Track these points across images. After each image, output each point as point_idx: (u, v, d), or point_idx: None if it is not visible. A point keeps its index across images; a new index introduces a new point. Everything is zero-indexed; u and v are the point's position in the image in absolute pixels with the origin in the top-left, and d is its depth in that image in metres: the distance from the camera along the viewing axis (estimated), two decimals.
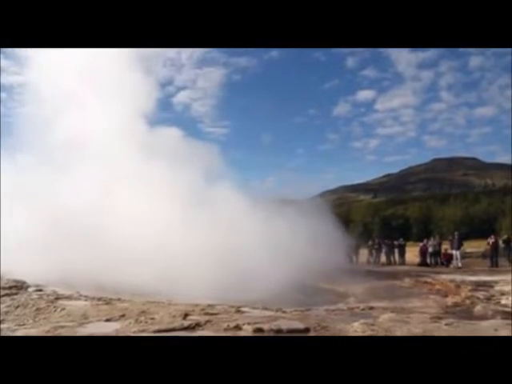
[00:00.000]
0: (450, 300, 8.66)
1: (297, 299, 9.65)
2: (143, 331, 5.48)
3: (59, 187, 14.91)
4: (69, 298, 8.33)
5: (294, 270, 12.16)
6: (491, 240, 17.54)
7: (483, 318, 6.70)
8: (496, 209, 45.54)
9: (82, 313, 6.72)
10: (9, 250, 12.68)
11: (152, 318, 6.24)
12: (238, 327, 5.71)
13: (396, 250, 20.46)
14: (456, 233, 19.21)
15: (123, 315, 6.52)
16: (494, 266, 16.50)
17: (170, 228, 12.44)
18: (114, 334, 5.31)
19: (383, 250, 20.69)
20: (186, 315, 6.47)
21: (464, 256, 18.80)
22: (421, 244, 19.88)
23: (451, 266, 17.45)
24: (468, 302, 8.27)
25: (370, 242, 22.98)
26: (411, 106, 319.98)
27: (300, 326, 5.89)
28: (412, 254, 20.50)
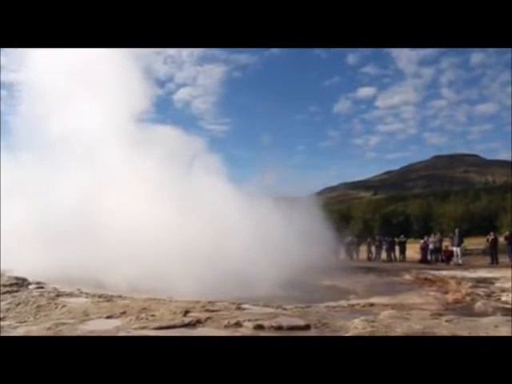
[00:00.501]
0: (450, 297, 8.67)
1: (296, 296, 9.67)
2: (144, 328, 5.49)
3: (57, 185, 14.93)
4: (69, 295, 8.35)
5: (290, 267, 12.19)
6: (490, 237, 17.56)
7: (483, 314, 6.70)
8: (497, 206, 45.50)
9: (82, 310, 6.74)
10: (9, 247, 12.71)
11: (153, 315, 6.25)
12: (238, 324, 5.73)
13: (396, 247, 20.48)
14: (456, 230, 19.22)
15: (124, 312, 6.53)
16: (495, 262, 16.52)
17: (166, 224, 12.48)
18: (114, 331, 5.32)
19: (384, 247, 20.71)
20: (186, 312, 6.48)
21: (464, 253, 18.82)
22: (421, 241, 19.90)
23: (452, 262, 17.47)
24: (468, 298, 8.27)
25: (370, 239, 23.03)
26: (412, 103, 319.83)
27: (300, 322, 5.90)
28: (412, 250, 20.53)
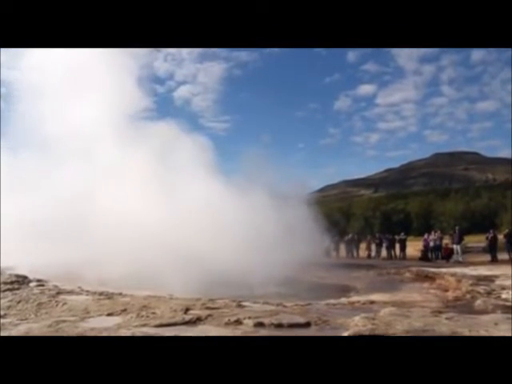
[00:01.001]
0: (450, 294, 8.67)
1: (296, 294, 9.68)
2: (144, 325, 5.50)
3: (55, 182, 14.98)
4: (70, 292, 8.36)
5: (287, 265, 12.22)
6: (490, 235, 17.56)
7: (484, 312, 6.70)
8: (497, 203, 45.47)
9: (83, 307, 6.75)
10: (9, 245, 12.74)
11: (153, 313, 6.26)
12: (238, 321, 5.73)
13: (397, 245, 20.49)
14: (457, 227, 19.20)
15: (124, 310, 6.54)
16: (494, 260, 16.52)
17: (161, 221, 12.53)
18: (115, 329, 5.33)
19: (384, 245, 20.72)
20: (187, 309, 6.49)
21: (465, 250, 18.82)
22: (424, 238, 19.88)
23: (452, 260, 17.47)
24: (468, 296, 8.27)
25: (370, 237, 23.05)
26: (412, 101, 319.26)
27: (301, 320, 5.90)
28: (413, 248, 20.52)
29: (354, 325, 5.60)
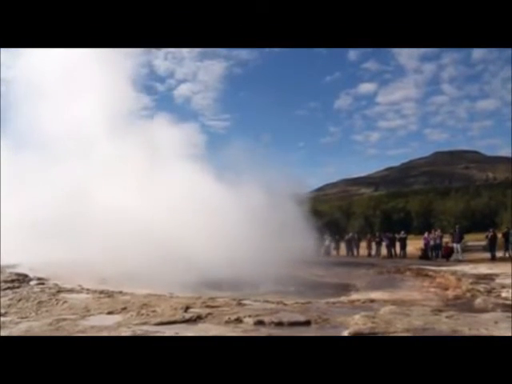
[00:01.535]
0: (450, 293, 8.68)
1: (296, 292, 9.70)
2: (145, 324, 5.51)
3: (56, 181, 15.01)
4: (71, 291, 8.37)
5: (286, 263, 12.25)
6: (490, 234, 17.57)
7: (484, 310, 6.72)
8: (497, 202, 45.49)
9: (83, 306, 6.76)
10: (9, 244, 12.76)
11: (153, 311, 6.27)
12: (239, 320, 5.74)
13: (397, 244, 20.49)
14: (457, 226, 19.18)
15: (125, 308, 6.56)
16: (494, 259, 16.52)
17: (156, 219, 12.59)
18: (115, 327, 5.34)
19: (384, 243, 20.72)
20: (187, 308, 6.50)
21: (465, 249, 18.82)
22: (424, 236, 19.88)
23: (452, 259, 17.48)
24: (469, 294, 8.28)
25: (370, 236, 23.05)
26: (413, 99, 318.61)
27: (301, 318, 5.91)
28: (413, 247, 20.52)
29: (354, 323, 5.61)
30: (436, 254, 18.71)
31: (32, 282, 9.35)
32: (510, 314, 6.12)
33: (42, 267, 11.23)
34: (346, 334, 5.11)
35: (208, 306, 6.74)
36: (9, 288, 8.35)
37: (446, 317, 6.02)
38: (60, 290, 8.30)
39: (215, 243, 11.94)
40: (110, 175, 14.58)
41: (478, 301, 7.49)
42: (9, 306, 6.73)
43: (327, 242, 22.77)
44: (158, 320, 5.70)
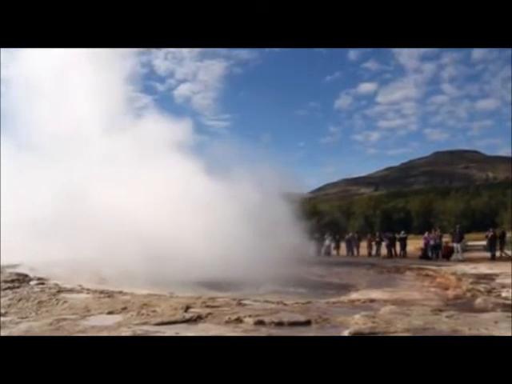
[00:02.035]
0: (450, 293, 8.68)
1: (297, 292, 9.70)
2: (145, 324, 5.51)
3: (55, 181, 15.04)
4: (71, 291, 8.37)
5: (286, 263, 12.24)
6: (490, 233, 17.57)
7: (484, 310, 6.72)
8: (497, 202, 45.50)
9: (84, 306, 6.76)
10: (10, 244, 12.77)
11: (154, 311, 6.27)
12: (239, 320, 5.74)
13: (397, 243, 20.47)
14: (457, 226, 19.17)
15: (125, 308, 6.55)
16: (494, 259, 16.52)
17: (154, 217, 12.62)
18: (115, 327, 5.34)
19: (384, 243, 20.71)
20: (187, 308, 6.50)
21: (465, 249, 18.81)
22: (424, 236, 19.87)
23: (452, 258, 17.47)
24: (469, 294, 8.29)
25: (370, 235, 23.04)
26: (413, 99, 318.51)
27: (301, 318, 5.91)
28: (413, 246, 20.52)
29: (355, 323, 5.61)
30: (436, 253, 18.71)
31: (32, 282, 9.34)
32: (510, 314, 6.12)
33: (42, 267, 11.23)
34: (346, 333, 5.11)
35: (208, 306, 6.74)
36: (9, 288, 8.35)
37: (446, 317, 6.02)
38: (60, 290, 8.30)
39: (212, 242, 11.94)
40: (109, 175, 14.58)
41: (478, 301, 7.49)
42: (9, 305, 6.73)
43: (327, 242, 22.74)
44: (158, 320, 5.70)
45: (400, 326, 5.37)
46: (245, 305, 7.07)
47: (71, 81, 16.92)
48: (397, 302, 7.46)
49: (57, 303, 6.97)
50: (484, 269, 12.85)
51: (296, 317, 6.01)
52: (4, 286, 8.51)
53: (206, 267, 10.64)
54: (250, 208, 14.00)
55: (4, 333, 4.92)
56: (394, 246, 20.38)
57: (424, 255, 18.81)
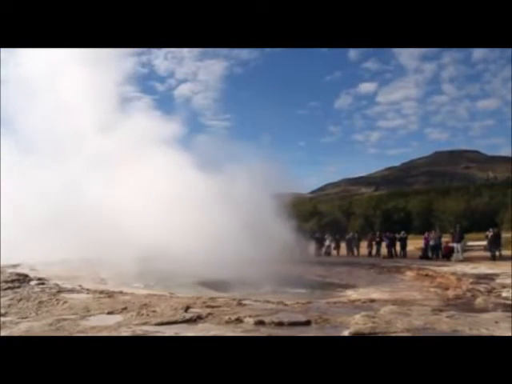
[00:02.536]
0: (451, 292, 8.68)
1: (297, 292, 9.70)
2: (145, 324, 5.51)
3: (54, 180, 15.05)
4: (71, 291, 8.37)
5: (285, 262, 12.23)
6: (490, 233, 17.54)
7: (484, 310, 6.71)
8: (498, 202, 45.36)
9: (84, 306, 6.76)
10: (10, 244, 12.78)
11: (154, 311, 6.27)
12: (239, 320, 5.74)
13: (397, 243, 20.45)
14: (457, 226, 19.13)
15: (125, 308, 6.55)
16: (495, 259, 16.50)
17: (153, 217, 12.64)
18: (115, 327, 5.34)
19: (385, 243, 20.69)
20: (187, 308, 6.50)
21: (465, 249, 18.79)
22: (424, 236, 19.85)
23: (452, 258, 17.46)
24: (469, 294, 8.28)
25: (371, 235, 23.02)
26: (413, 99, 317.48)
27: (301, 318, 5.91)
28: (413, 246, 20.51)
29: (355, 323, 5.61)
30: (436, 253, 18.69)
31: (32, 282, 9.34)
32: (510, 314, 6.12)
33: (42, 267, 11.24)
34: (346, 333, 5.11)
35: (208, 306, 6.74)
36: (9, 288, 8.35)
37: (447, 317, 6.02)
38: (60, 290, 8.30)
39: (212, 242, 11.93)
40: (107, 174, 14.60)
41: (479, 300, 7.49)
42: (9, 306, 6.72)
43: (328, 242, 22.74)
44: (158, 320, 5.70)
45: (400, 326, 5.36)
46: (245, 305, 7.07)
47: (67, 80, 16.94)
48: (397, 302, 7.46)
49: (57, 303, 6.97)
50: (484, 269, 12.84)
51: (296, 317, 6.01)
52: (4, 286, 8.51)
53: (205, 267, 10.63)
54: (245, 207, 14.00)
55: (4, 333, 4.92)
56: (394, 245, 20.36)
57: (424, 255, 18.79)
